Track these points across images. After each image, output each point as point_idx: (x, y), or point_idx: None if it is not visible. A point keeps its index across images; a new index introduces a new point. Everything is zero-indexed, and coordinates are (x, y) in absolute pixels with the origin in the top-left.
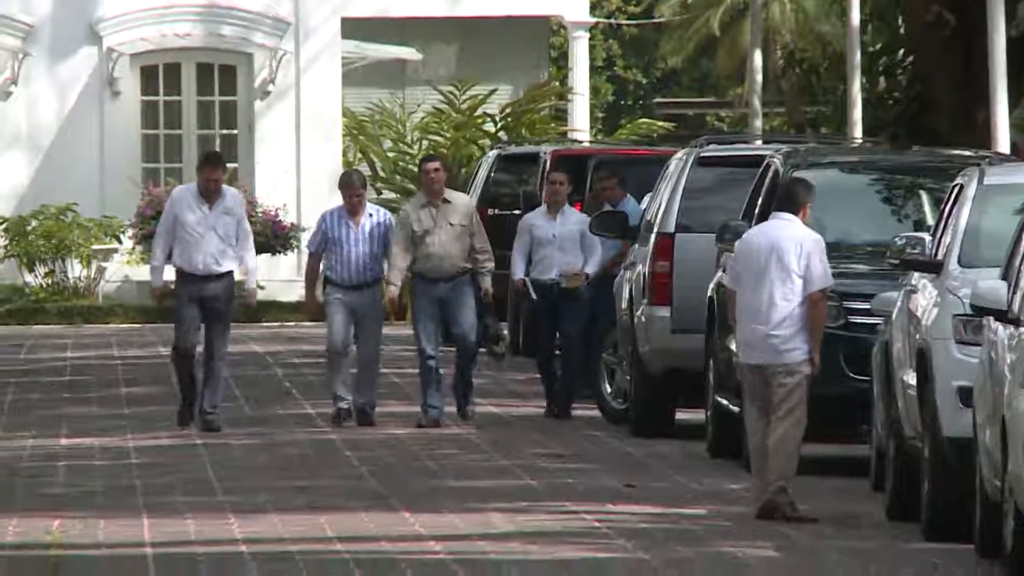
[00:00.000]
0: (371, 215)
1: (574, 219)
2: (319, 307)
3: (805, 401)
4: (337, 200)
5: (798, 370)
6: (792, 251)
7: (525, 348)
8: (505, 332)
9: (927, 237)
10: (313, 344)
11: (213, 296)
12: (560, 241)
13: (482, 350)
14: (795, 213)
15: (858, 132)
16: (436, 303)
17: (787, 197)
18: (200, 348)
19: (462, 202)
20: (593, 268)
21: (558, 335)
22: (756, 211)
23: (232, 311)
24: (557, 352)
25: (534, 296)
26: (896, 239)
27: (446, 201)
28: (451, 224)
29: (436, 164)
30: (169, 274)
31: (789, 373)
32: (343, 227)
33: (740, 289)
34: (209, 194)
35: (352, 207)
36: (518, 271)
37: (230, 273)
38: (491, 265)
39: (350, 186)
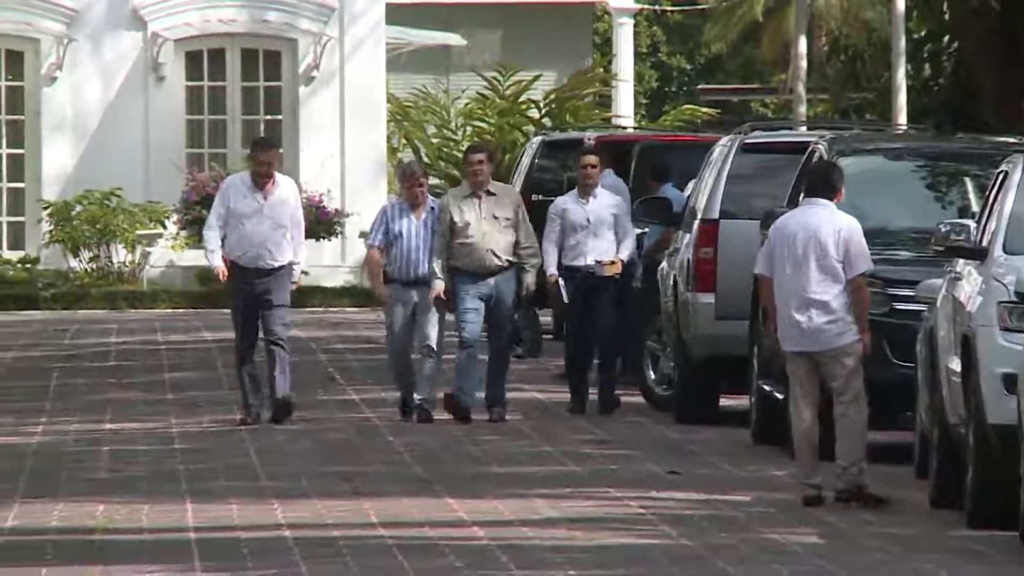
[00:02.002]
0: (432, 208)
1: (607, 202)
2: (388, 296)
3: (863, 383)
4: (381, 186)
5: (852, 351)
6: (831, 238)
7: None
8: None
9: (972, 224)
10: (357, 330)
11: (268, 289)
12: (594, 226)
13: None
14: (830, 198)
15: (903, 119)
16: (478, 296)
17: (822, 182)
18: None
19: (508, 195)
20: (625, 253)
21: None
22: (800, 197)
23: (289, 299)
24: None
25: (566, 299)
26: (940, 226)
27: (490, 193)
28: (495, 217)
29: (481, 156)
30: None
31: (846, 355)
32: (404, 220)
33: (776, 276)
34: (262, 180)
35: (414, 198)
36: (552, 264)
37: (287, 265)
38: (536, 261)
39: (412, 176)
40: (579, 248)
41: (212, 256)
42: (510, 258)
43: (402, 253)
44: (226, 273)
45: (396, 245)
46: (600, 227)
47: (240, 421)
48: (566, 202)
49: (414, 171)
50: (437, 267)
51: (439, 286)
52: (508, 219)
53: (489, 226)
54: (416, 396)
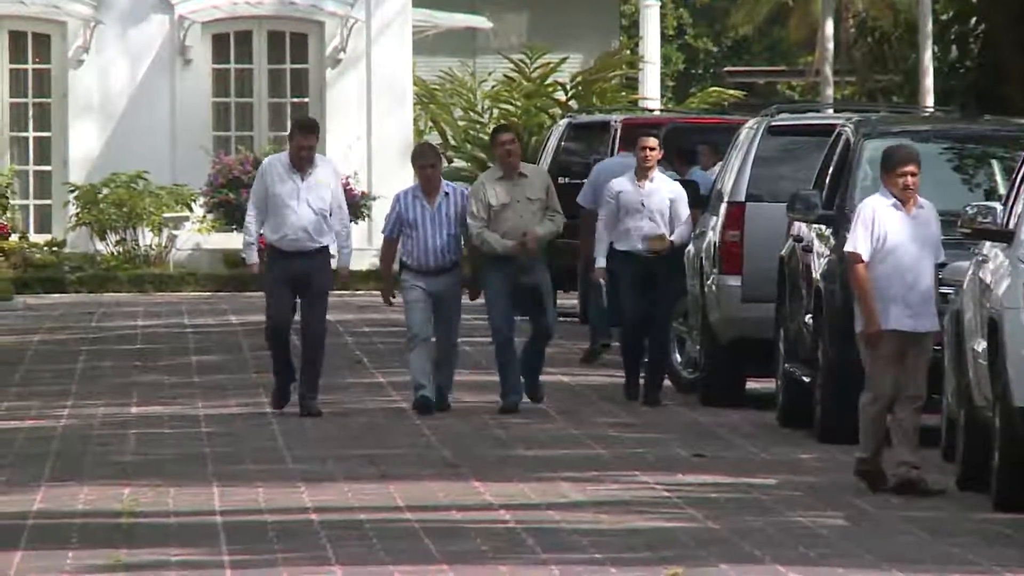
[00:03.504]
0: (447, 193)
1: (664, 187)
2: (391, 297)
3: (875, 373)
4: (408, 169)
5: (859, 338)
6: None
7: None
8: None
9: (998, 206)
10: (383, 313)
11: (308, 273)
12: (649, 211)
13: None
14: (882, 181)
15: (929, 101)
16: (511, 282)
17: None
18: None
19: (538, 176)
20: (679, 238)
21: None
22: (827, 180)
23: (330, 286)
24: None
25: (604, 302)
26: (967, 208)
27: (522, 175)
28: (529, 199)
29: (510, 136)
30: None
31: (860, 343)
32: (418, 207)
33: None
34: (300, 163)
35: (425, 179)
36: (601, 257)
37: (326, 248)
38: (559, 219)
39: (422, 156)
40: (632, 233)
41: (249, 250)
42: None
43: (417, 242)
44: (260, 270)
45: (411, 234)
46: (655, 212)
47: (274, 405)
48: (622, 183)
49: (424, 152)
50: (491, 238)
51: (508, 244)
52: (540, 199)
53: (523, 208)
54: (433, 383)
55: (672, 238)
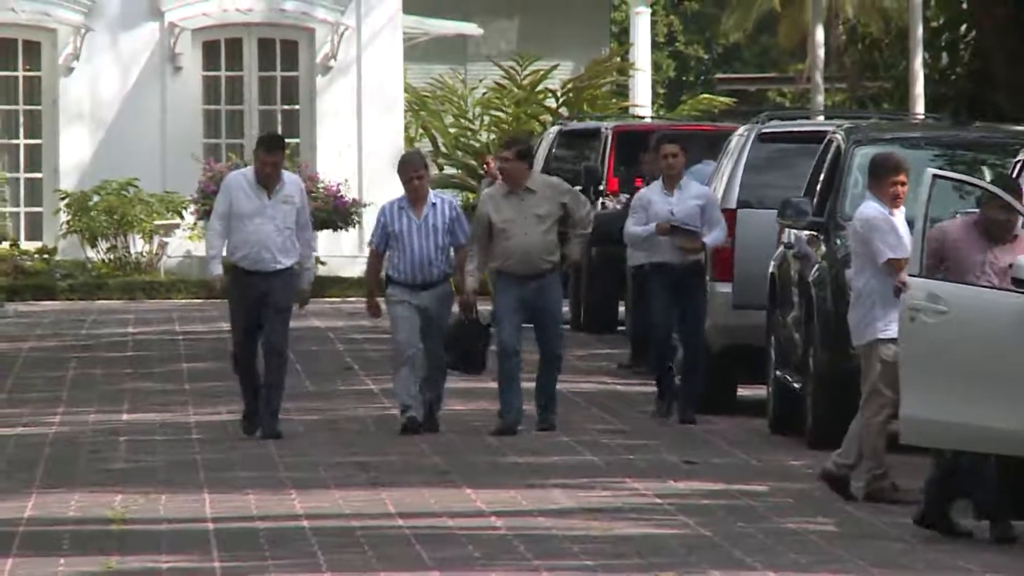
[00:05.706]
0: (434, 204)
1: (693, 193)
2: (379, 310)
3: (883, 384)
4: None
5: (868, 352)
6: (852, 228)
7: (586, 325)
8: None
9: None
10: (374, 320)
11: (272, 294)
12: (679, 219)
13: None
14: (871, 189)
15: (920, 108)
16: (520, 301)
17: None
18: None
19: (550, 191)
20: (712, 242)
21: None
22: (818, 187)
23: (291, 304)
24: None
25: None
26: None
27: (529, 191)
28: (537, 216)
29: (507, 153)
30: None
31: (864, 356)
32: (404, 219)
33: None
34: (266, 180)
35: (412, 190)
36: (644, 230)
37: (289, 268)
38: (581, 238)
39: (408, 165)
40: (665, 244)
41: (212, 264)
42: (554, 259)
43: (403, 255)
44: (219, 286)
45: (397, 247)
46: (687, 220)
47: (245, 429)
48: (651, 193)
49: (411, 160)
50: (471, 266)
51: (471, 284)
52: (550, 217)
53: (530, 226)
54: (426, 395)
55: (705, 239)
